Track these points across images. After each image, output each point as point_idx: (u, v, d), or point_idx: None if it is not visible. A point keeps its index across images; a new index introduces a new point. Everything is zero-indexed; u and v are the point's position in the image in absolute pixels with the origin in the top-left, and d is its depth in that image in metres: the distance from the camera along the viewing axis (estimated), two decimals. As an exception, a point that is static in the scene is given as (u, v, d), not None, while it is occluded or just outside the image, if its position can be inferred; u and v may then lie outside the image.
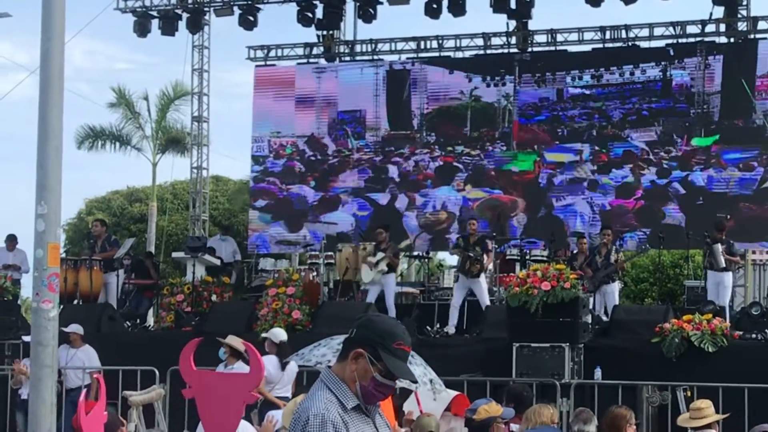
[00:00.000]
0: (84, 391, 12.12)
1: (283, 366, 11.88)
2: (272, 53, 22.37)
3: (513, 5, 20.46)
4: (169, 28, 22.40)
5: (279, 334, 12.54)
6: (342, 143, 21.24)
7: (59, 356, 13.88)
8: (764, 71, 19.02)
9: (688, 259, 20.02)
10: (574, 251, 17.55)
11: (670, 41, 20.05)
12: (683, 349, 13.75)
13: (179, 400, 13.23)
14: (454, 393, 10.29)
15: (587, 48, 20.56)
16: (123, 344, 16.04)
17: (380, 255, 16.50)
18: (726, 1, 19.77)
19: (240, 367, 11.54)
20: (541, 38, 21.01)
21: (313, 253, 21.15)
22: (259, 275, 20.56)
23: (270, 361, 11.80)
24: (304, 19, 21.58)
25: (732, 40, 19.99)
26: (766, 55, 19.06)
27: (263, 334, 12.85)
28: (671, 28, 20.23)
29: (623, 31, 20.33)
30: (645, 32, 20.37)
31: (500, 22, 20.99)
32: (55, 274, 7.37)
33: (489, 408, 7.38)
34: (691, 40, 19.92)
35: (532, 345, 13.79)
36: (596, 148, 19.81)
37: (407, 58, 21.35)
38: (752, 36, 19.69)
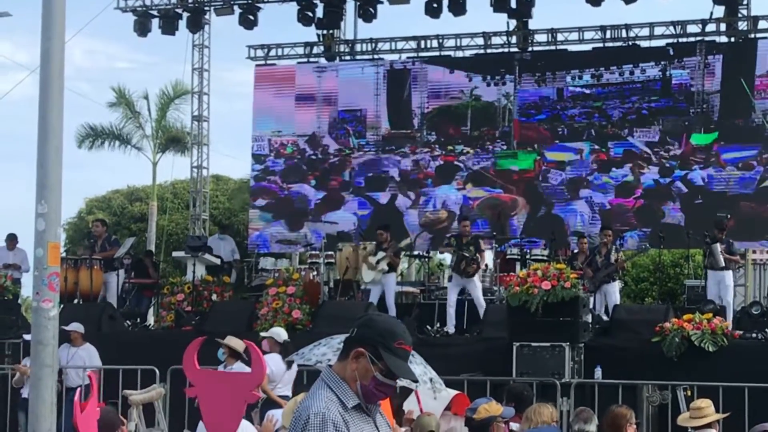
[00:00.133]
0: (78, 390, 12.12)
1: (289, 365, 11.89)
2: (272, 52, 22.36)
3: (513, 4, 20.46)
4: (169, 27, 22.39)
5: (282, 333, 12.56)
6: (343, 142, 21.23)
7: (60, 355, 13.95)
8: (764, 71, 19.03)
9: (688, 259, 20.03)
10: (575, 251, 17.55)
11: (670, 41, 20.05)
12: (683, 348, 13.75)
13: (179, 400, 13.28)
14: (454, 392, 10.28)
15: (587, 47, 20.56)
16: (123, 343, 16.04)
17: (381, 254, 16.50)
18: (726, 0, 19.76)
19: (239, 368, 11.55)
20: (541, 37, 21.00)
21: (313, 252, 21.15)
22: (260, 274, 20.56)
23: (273, 360, 11.82)
24: (304, 19, 21.58)
25: (732, 39, 19.99)
26: (766, 55, 19.06)
27: (262, 334, 12.84)
28: (671, 28, 20.23)
29: (623, 31, 20.33)
30: (645, 32, 20.37)
31: (500, 22, 21.02)
32: (56, 274, 7.36)
33: (489, 407, 7.37)
34: (692, 39, 19.92)
35: (533, 344, 13.79)
36: (596, 147, 19.81)
37: (407, 58, 21.35)
38: (753, 35, 19.69)
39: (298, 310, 15.86)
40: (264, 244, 21.56)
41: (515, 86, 20.39)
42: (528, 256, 19.72)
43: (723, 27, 20.16)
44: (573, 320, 13.92)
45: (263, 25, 22.05)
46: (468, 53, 21.27)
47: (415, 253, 21.73)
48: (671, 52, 19.71)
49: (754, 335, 14.44)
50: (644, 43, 20.31)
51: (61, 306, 14.15)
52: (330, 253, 20.31)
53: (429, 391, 9.84)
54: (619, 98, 19.84)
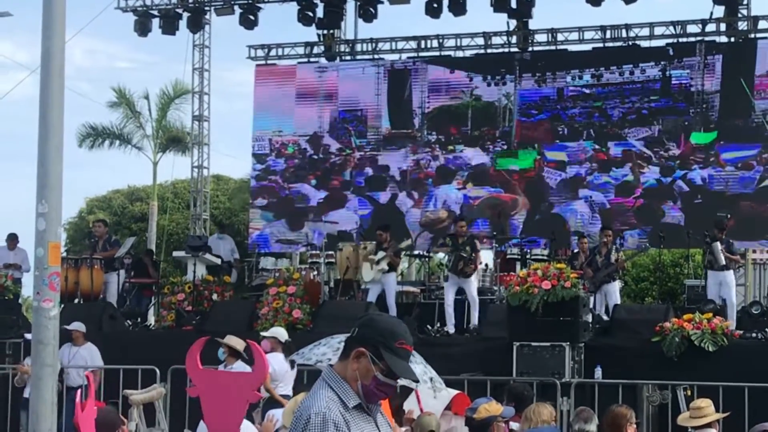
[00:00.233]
0: (79, 390, 12.14)
1: (292, 364, 11.91)
2: (273, 52, 22.37)
3: (513, 4, 20.46)
4: (169, 27, 22.40)
5: (283, 333, 12.58)
6: (344, 142, 21.24)
7: (62, 355, 13.97)
8: (763, 71, 19.03)
9: (688, 258, 20.04)
10: (575, 250, 17.55)
11: (670, 41, 20.05)
12: (683, 348, 13.75)
13: (180, 399, 13.29)
14: (454, 392, 10.28)
15: (587, 47, 20.56)
16: (124, 343, 16.05)
17: (381, 254, 16.50)
18: (726, 0, 19.77)
19: (239, 367, 11.56)
20: (541, 37, 21.01)
21: (313, 252, 21.15)
22: (260, 274, 20.56)
23: (276, 359, 11.84)
24: (304, 19, 21.58)
25: (732, 39, 20.00)
26: (765, 55, 19.06)
27: (263, 334, 12.85)
28: (671, 28, 20.24)
29: (623, 31, 20.34)
30: (645, 31, 20.38)
31: (501, 22, 21.02)
32: (56, 273, 7.37)
33: (489, 407, 7.37)
34: (692, 39, 19.93)
35: (533, 344, 13.80)
36: (596, 146, 19.82)
37: (408, 58, 21.36)
38: (752, 35, 19.70)
39: (298, 309, 15.86)
40: (264, 243, 21.57)
41: (515, 86, 20.40)
42: (528, 256, 19.71)
43: (723, 27, 20.17)
44: (573, 320, 13.92)
45: (263, 25, 22.09)
46: (468, 53, 21.28)
47: (416, 252, 21.74)
48: (671, 52, 19.72)
49: (754, 335, 14.44)
50: (644, 43, 20.32)
51: (62, 306, 14.16)
52: (330, 252, 20.31)
53: (429, 391, 9.84)
54: (619, 98, 19.85)
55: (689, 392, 12.68)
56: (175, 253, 22.74)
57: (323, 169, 21.27)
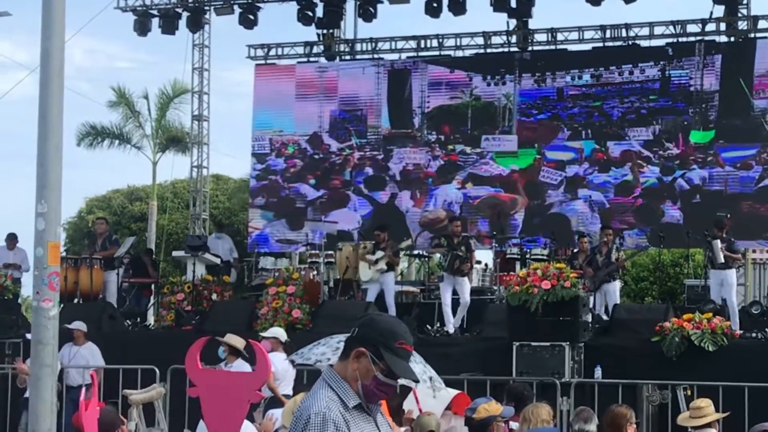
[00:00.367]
0: (83, 389, 12.12)
1: (291, 364, 11.92)
2: (272, 52, 22.37)
3: (513, 4, 20.45)
4: (169, 26, 22.39)
5: (283, 333, 12.61)
6: (344, 142, 21.23)
7: (62, 354, 13.97)
8: (762, 70, 19.04)
9: (688, 258, 20.04)
10: (575, 250, 17.55)
11: (670, 40, 20.05)
12: (683, 348, 13.75)
13: (179, 399, 13.29)
14: (454, 392, 10.28)
15: (587, 47, 20.56)
16: (123, 343, 16.05)
17: (379, 254, 16.49)
18: (726, 0, 19.77)
19: (240, 365, 11.57)
20: (541, 37, 21.00)
21: (313, 252, 21.15)
22: (260, 274, 20.56)
23: (278, 358, 11.87)
24: (304, 18, 21.57)
25: (732, 39, 20.00)
26: (765, 54, 19.07)
27: (263, 334, 12.85)
28: (671, 27, 20.24)
29: (623, 30, 20.33)
30: (645, 31, 20.38)
31: (500, 21, 21.02)
32: (56, 273, 7.37)
33: (489, 407, 7.36)
34: (692, 39, 19.93)
35: (533, 344, 13.80)
36: (596, 146, 19.82)
37: (407, 57, 21.36)
38: (752, 35, 19.70)
39: (298, 309, 15.86)
40: (264, 243, 21.57)
41: (515, 86, 20.40)
42: (528, 256, 19.72)
43: (723, 27, 20.17)
44: (573, 320, 13.92)
45: (263, 25, 22.09)
46: (468, 53, 21.28)
47: (415, 252, 21.74)
48: (670, 52, 19.73)
49: (754, 335, 14.43)
50: (644, 43, 20.32)
51: (61, 305, 14.15)
52: (330, 252, 20.30)
53: (428, 390, 9.84)
54: (619, 98, 19.85)
55: (689, 392, 12.68)
56: (175, 253, 22.74)
57: (323, 168, 21.27)
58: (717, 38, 20.05)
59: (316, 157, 21.34)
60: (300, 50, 22.31)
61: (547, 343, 13.71)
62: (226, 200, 35.64)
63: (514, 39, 21.19)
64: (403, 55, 21.46)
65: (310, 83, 21.58)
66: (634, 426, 7.55)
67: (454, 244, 16.08)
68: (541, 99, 20.30)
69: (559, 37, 20.80)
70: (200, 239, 20.43)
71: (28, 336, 13.65)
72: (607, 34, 20.36)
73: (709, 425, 8.55)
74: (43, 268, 7.30)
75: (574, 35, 20.73)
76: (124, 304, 18.78)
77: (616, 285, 16.44)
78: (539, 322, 13.83)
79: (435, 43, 21.34)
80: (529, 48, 20.96)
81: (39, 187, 7.40)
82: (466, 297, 16.03)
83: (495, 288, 18.03)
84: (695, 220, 18.44)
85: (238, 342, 11.88)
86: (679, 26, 20.17)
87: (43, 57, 7.55)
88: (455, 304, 16.22)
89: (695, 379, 12.84)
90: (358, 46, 22.11)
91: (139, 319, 18.13)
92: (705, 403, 8.69)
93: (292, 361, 11.78)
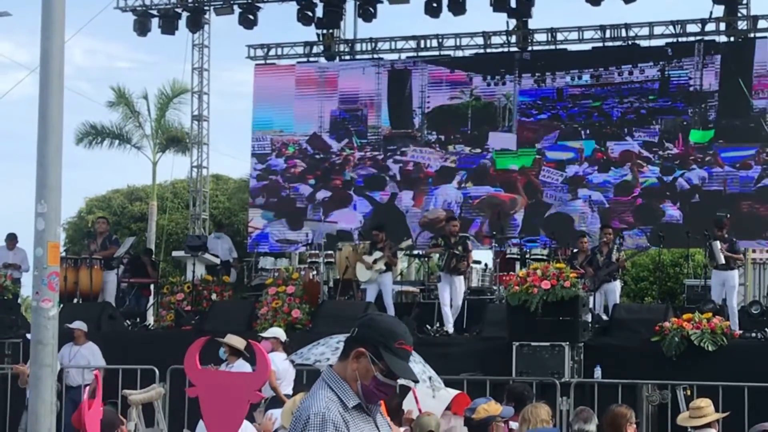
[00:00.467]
0: (87, 388, 12.14)
1: (291, 364, 11.94)
2: (272, 52, 22.37)
3: (513, 4, 20.45)
4: (169, 26, 22.39)
5: (282, 333, 12.62)
6: (344, 141, 21.23)
7: (62, 354, 13.97)
8: (762, 70, 19.05)
9: (688, 258, 20.04)
10: (575, 250, 17.54)
11: (670, 40, 20.06)
12: (683, 347, 13.74)
13: (179, 399, 13.29)
14: (454, 392, 10.27)
15: (587, 47, 20.56)
16: (123, 343, 16.04)
17: (378, 254, 16.49)
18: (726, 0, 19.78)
19: (241, 365, 11.58)
20: (541, 37, 21.01)
21: (312, 252, 21.15)
22: (259, 274, 20.56)
23: (279, 358, 11.89)
24: (304, 18, 21.57)
25: (732, 39, 20.00)
26: (764, 55, 19.08)
27: (262, 334, 12.85)
28: (671, 27, 20.25)
29: (623, 30, 20.34)
30: (645, 31, 20.39)
31: (500, 21, 21.02)
32: (55, 273, 7.36)
33: (488, 407, 7.36)
34: (691, 39, 19.94)
35: (532, 344, 13.80)
36: (596, 146, 19.83)
37: (407, 57, 21.36)
38: (752, 35, 19.70)
39: (297, 309, 15.86)
40: (264, 243, 21.56)
41: (515, 86, 20.41)
42: (528, 256, 19.72)
43: (723, 26, 20.17)
44: (573, 320, 13.92)
45: (263, 25, 22.09)
46: (468, 53, 21.28)
47: (415, 252, 21.74)
48: (670, 52, 19.74)
49: (753, 335, 14.43)
50: (644, 43, 20.33)
51: (61, 306, 14.15)
52: (330, 252, 20.30)
53: (428, 390, 9.84)
54: (618, 98, 19.86)
55: (689, 392, 12.67)
56: (175, 253, 22.76)
57: (323, 168, 21.27)
58: (717, 38, 20.06)
59: (316, 157, 21.34)
60: (300, 50, 22.31)
61: (547, 343, 13.70)
62: (225, 200, 35.64)
63: (513, 39, 21.19)
64: (403, 55, 21.47)
65: (309, 83, 21.58)
66: (634, 426, 7.54)
67: (451, 244, 16.07)
68: (541, 99, 20.31)
69: (559, 37, 20.81)
70: (200, 239, 20.44)
71: (28, 336, 13.67)
72: (607, 34, 20.37)
73: (708, 425, 8.54)
74: (43, 268, 7.30)
75: (574, 35, 20.74)
76: (123, 304, 18.77)
77: (617, 285, 16.44)
78: (539, 322, 13.83)
79: (435, 43, 21.35)
80: (529, 48, 20.97)
81: (39, 187, 7.39)
82: (458, 300, 16.01)
83: (495, 288, 18.02)
84: (695, 219, 18.46)
85: (239, 342, 11.89)
86: (679, 26, 20.17)
87: (43, 57, 7.55)
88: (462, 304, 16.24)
89: (695, 379, 12.84)
90: (357, 46, 22.11)
91: (138, 319, 18.12)
92: (705, 403, 8.69)
93: (292, 361, 11.80)
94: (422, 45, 21.38)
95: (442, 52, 21.27)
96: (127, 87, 31.19)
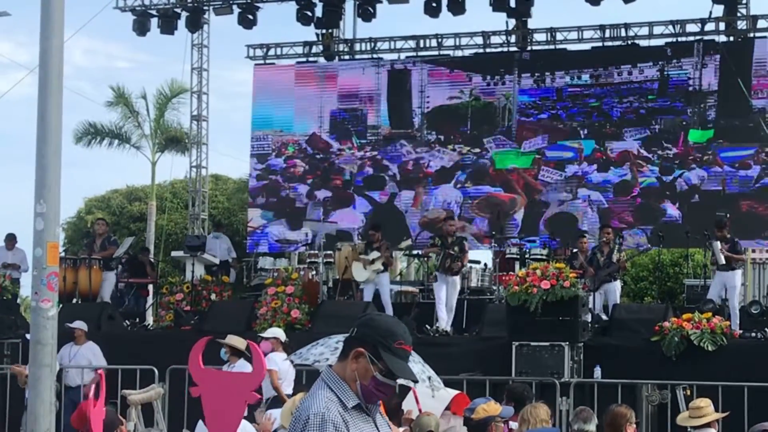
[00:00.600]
0: (93, 387, 12.12)
1: (293, 364, 11.96)
2: (271, 52, 22.37)
3: (512, 4, 20.44)
4: (168, 26, 22.38)
5: (282, 333, 12.63)
6: (344, 141, 21.23)
7: (62, 354, 13.95)
8: (761, 70, 19.05)
9: (687, 258, 20.04)
10: (574, 250, 17.53)
11: (669, 40, 20.06)
12: (683, 347, 13.74)
13: (178, 399, 13.30)
14: (453, 392, 10.27)
15: (587, 47, 20.57)
16: (122, 343, 16.02)
17: (375, 254, 16.47)
18: (725, -1, 19.79)
19: (242, 365, 11.57)
20: (540, 37, 21.01)
21: (312, 252, 21.15)
22: (258, 274, 20.56)
23: (280, 358, 11.90)
24: (303, 18, 21.56)
25: (732, 38, 20.00)
26: (763, 54, 19.09)
27: (262, 335, 12.85)
28: (671, 27, 20.25)
29: (623, 30, 20.34)
30: (644, 31, 20.39)
31: (500, 21, 21.02)
32: (54, 273, 7.36)
33: (488, 407, 7.35)
34: (691, 38, 19.95)
35: (532, 344, 13.79)
36: (595, 146, 19.84)
37: (407, 57, 21.36)
38: (752, 35, 19.71)
39: (297, 309, 15.85)
40: (264, 243, 21.56)
41: (515, 86, 20.41)
42: (527, 256, 19.72)
43: (722, 26, 20.17)
44: (572, 319, 13.91)
45: (262, 25, 22.09)
46: (467, 53, 21.28)
47: (415, 252, 21.73)
48: (669, 52, 19.74)
49: (753, 335, 14.42)
50: (644, 42, 20.32)
51: (60, 306, 14.13)
52: (329, 252, 20.30)
53: (427, 390, 9.84)
54: (618, 98, 19.87)
55: (688, 392, 12.67)
56: (174, 253, 22.75)
57: (323, 168, 21.27)
58: (716, 38, 20.06)
59: (316, 157, 21.34)
60: (299, 50, 22.31)
61: (547, 343, 13.70)
62: (225, 200, 35.63)
63: (513, 39, 21.19)
64: (403, 55, 21.47)
65: (309, 83, 21.58)
66: (634, 426, 7.54)
67: (447, 244, 16.05)
68: (540, 99, 20.31)
69: (559, 36, 20.81)
70: (199, 239, 20.43)
71: (28, 336, 13.66)
72: (607, 34, 20.37)
73: (708, 425, 8.54)
74: (42, 269, 7.30)
75: (574, 35, 20.74)
76: (121, 304, 18.77)
77: (617, 285, 16.42)
78: (539, 321, 13.82)
79: (434, 43, 21.34)
80: (529, 48, 20.97)
81: (38, 188, 7.40)
82: (452, 300, 15.99)
83: (494, 288, 18.01)
84: (694, 219, 18.47)
85: (239, 342, 11.88)
86: (679, 26, 20.18)
87: (43, 57, 7.55)
88: (457, 304, 16.20)
89: (695, 379, 12.84)
90: (357, 46, 22.11)
91: (138, 320, 18.12)
92: (704, 403, 8.68)
93: (291, 361, 11.80)
94: (422, 45, 21.38)
95: (442, 52, 21.27)
96: (127, 87, 31.23)
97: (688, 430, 8.95)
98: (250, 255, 21.82)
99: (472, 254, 19.20)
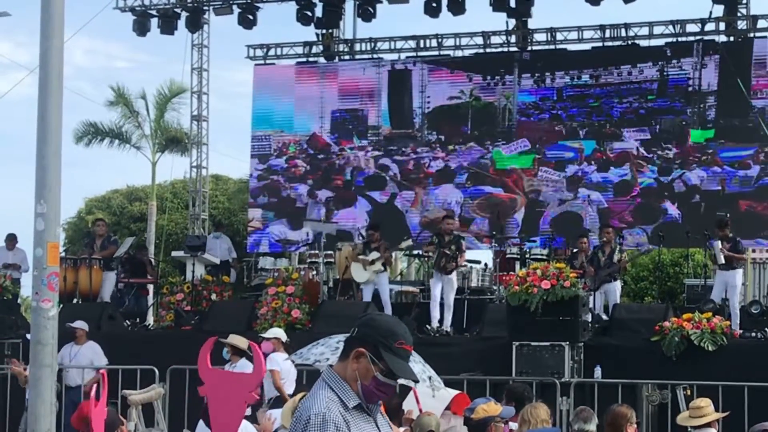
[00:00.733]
0: (94, 387, 12.12)
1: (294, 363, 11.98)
2: (271, 52, 22.36)
3: (512, 4, 20.44)
4: (168, 27, 22.38)
5: (283, 333, 12.64)
6: (344, 142, 21.24)
7: (63, 353, 13.96)
8: (760, 70, 19.05)
9: (688, 258, 20.04)
10: (575, 250, 17.54)
11: (669, 40, 20.06)
12: (683, 347, 13.74)
13: (179, 399, 13.31)
14: (454, 392, 10.28)
15: (587, 47, 20.57)
16: (122, 343, 16.02)
17: (375, 254, 16.46)
18: (725, -1, 19.79)
19: (243, 365, 11.59)
20: (540, 37, 21.00)
21: (312, 252, 21.16)
22: (259, 274, 20.56)
23: (282, 358, 11.91)
24: (303, 18, 21.56)
25: (731, 38, 20.01)
26: (762, 54, 19.09)
27: (263, 335, 12.85)
28: (671, 27, 20.25)
29: (623, 30, 20.34)
30: (644, 31, 20.39)
31: (500, 21, 21.02)
32: (55, 273, 7.37)
33: (488, 407, 7.35)
34: (691, 38, 19.95)
35: (532, 344, 13.79)
36: (595, 146, 19.84)
37: (407, 57, 21.36)
38: (752, 35, 19.71)
39: (297, 309, 15.85)
40: (265, 243, 21.56)
41: (515, 86, 20.41)
42: (527, 255, 19.72)
43: (722, 26, 20.17)
44: (573, 319, 13.91)
45: (262, 25, 22.08)
46: (467, 53, 21.28)
47: (415, 252, 21.73)
48: (669, 53, 19.75)
49: (753, 334, 14.43)
50: (644, 42, 20.32)
51: (61, 306, 14.14)
52: (329, 252, 20.30)
53: (427, 389, 9.84)
54: (617, 98, 19.88)
55: (689, 392, 12.67)
56: (174, 253, 22.75)
57: (324, 168, 21.27)
58: (716, 38, 20.06)
59: (316, 157, 21.34)
60: (299, 50, 22.31)
61: (547, 343, 13.70)
62: (225, 200, 35.64)
63: (513, 39, 21.19)
64: (403, 55, 21.46)
65: (309, 83, 21.59)
66: (635, 426, 7.54)
67: (444, 242, 16.03)
68: (540, 99, 20.31)
69: (559, 36, 20.81)
70: (199, 239, 20.43)
71: (28, 336, 13.66)
72: (607, 34, 20.37)
73: (708, 425, 8.55)
74: (43, 269, 7.30)
75: (574, 35, 20.74)
76: (121, 304, 18.77)
77: (617, 285, 16.41)
78: (539, 321, 13.83)
79: (434, 43, 21.34)
80: (529, 48, 20.97)
81: (38, 188, 7.40)
82: (449, 299, 15.97)
83: (495, 288, 18.01)
84: (694, 219, 18.48)
85: (241, 342, 11.90)
86: (679, 26, 20.18)
87: (43, 57, 7.55)
88: (457, 304, 16.19)
89: (695, 378, 12.84)
90: (357, 46, 22.11)
91: (138, 320, 18.12)
92: (705, 403, 8.69)
93: (292, 361, 11.81)
94: (422, 45, 21.38)
95: (442, 52, 21.27)
96: (127, 87, 31.21)
97: (689, 429, 8.95)
98: (250, 255, 21.83)
99: (472, 254, 19.23)
